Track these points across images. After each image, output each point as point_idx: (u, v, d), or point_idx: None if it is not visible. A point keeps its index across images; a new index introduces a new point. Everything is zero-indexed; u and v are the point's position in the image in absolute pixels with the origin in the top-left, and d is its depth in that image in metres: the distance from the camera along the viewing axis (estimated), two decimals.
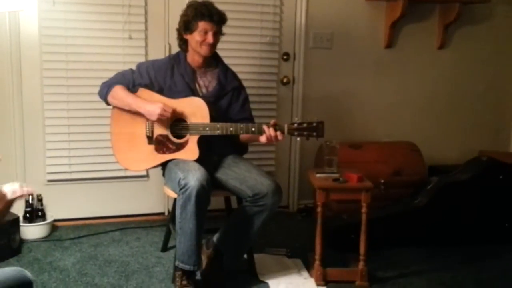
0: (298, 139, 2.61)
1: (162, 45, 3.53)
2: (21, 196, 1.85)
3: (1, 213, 1.84)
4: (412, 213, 3.28)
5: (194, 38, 2.68)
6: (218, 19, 2.68)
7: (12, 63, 3.29)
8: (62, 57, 3.36)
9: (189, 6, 2.72)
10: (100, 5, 3.37)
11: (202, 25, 2.65)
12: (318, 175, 2.82)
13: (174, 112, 2.63)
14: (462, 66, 4.18)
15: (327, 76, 3.91)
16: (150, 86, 2.74)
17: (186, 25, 2.70)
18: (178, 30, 2.77)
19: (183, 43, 2.78)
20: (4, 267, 1.81)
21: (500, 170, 3.35)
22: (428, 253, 3.20)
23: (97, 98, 2.80)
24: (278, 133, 2.54)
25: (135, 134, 2.74)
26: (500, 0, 4.13)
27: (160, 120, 2.63)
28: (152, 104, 2.63)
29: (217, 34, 2.71)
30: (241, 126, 2.59)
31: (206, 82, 2.80)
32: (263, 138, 2.56)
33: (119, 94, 2.71)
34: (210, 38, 2.66)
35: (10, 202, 1.82)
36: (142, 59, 3.35)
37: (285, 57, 3.81)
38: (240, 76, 2.95)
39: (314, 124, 2.55)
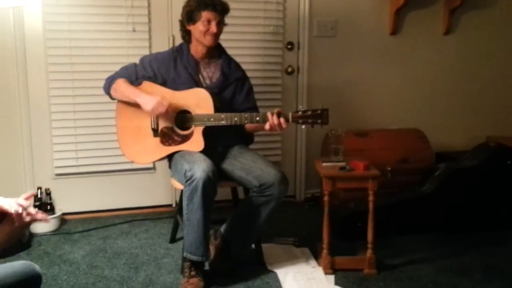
0: (303, 127, 2.60)
1: (166, 37, 3.52)
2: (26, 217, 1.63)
3: (12, 236, 1.59)
4: (419, 200, 3.27)
5: (198, 28, 2.68)
6: (221, 9, 2.68)
7: (17, 58, 3.30)
8: (66, 51, 3.37)
9: None
10: None
11: (205, 14, 2.65)
12: (324, 164, 2.82)
13: (171, 106, 2.61)
14: (468, 51, 4.15)
15: (332, 65, 3.89)
16: (153, 79, 2.74)
17: (189, 16, 2.69)
18: (181, 21, 2.77)
19: (186, 34, 2.78)
20: (14, 261, 1.83)
21: (508, 156, 3.32)
22: (435, 240, 3.20)
23: (102, 91, 2.81)
24: (282, 120, 2.53)
25: (140, 127, 2.75)
26: None
27: (156, 112, 2.61)
28: (149, 96, 2.62)
29: (220, 23, 2.71)
30: (246, 115, 2.59)
31: (210, 73, 2.80)
32: (266, 126, 2.56)
33: (120, 86, 2.72)
34: (213, 28, 2.66)
35: (20, 225, 1.59)
36: (146, 52, 3.35)
37: (289, 46, 3.79)
38: (244, 66, 2.95)
39: (319, 112, 2.54)
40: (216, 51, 2.82)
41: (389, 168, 3.54)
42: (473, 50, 4.16)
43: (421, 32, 4.02)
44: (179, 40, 3.29)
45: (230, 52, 2.90)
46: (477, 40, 4.14)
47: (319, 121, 2.54)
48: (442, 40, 4.08)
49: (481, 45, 4.16)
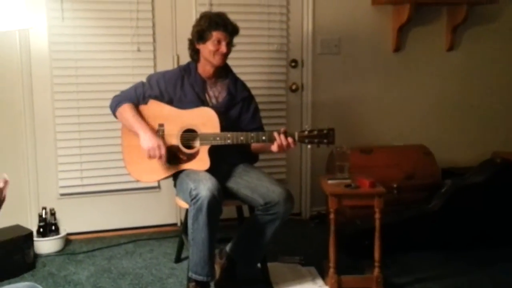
0: (309, 146, 2.59)
1: (170, 56, 3.55)
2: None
3: None
4: (426, 217, 3.24)
5: (207, 47, 2.69)
6: (231, 30, 2.70)
7: (23, 79, 3.33)
8: (72, 71, 3.39)
9: (202, 16, 2.74)
10: (108, 19, 3.40)
11: (216, 34, 2.66)
12: (330, 181, 2.81)
13: (167, 152, 2.61)
14: (472, 67, 4.15)
15: (336, 82, 3.90)
16: (160, 98, 2.75)
17: (199, 35, 2.70)
18: (191, 40, 2.78)
19: (195, 54, 2.79)
20: (18, 282, 1.82)
21: None
22: (443, 257, 3.16)
23: (107, 111, 2.82)
24: (290, 139, 2.53)
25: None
26: (508, 1, 4.10)
27: (149, 154, 2.60)
28: (150, 135, 2.61)
29: (230, 44, 2.72)
30: (252, 135, 2.58)
31: (216, 92, 2.81)
32: (274, 147, 2.55)
33: (125, 112, 2.71)
34: (223, 48, 2.68)
35: None
36: (151, 71, 3.37)
37: (293, 64, 3.80)
38: (249, 84, 2.96)
39: (325, 131, 2.53)
40: (223, 71, 2.82)
41: (395, 185, 3.53)
42: (477, 66, 4.16)
43: (424, 49, 4.03)
44: (183, 60, 3.32)
45: (234, 70, 2.91)
46: (480, 56, 4.15)
47: (325, 140, 2.54)
48: (445, 57, 4.09)
49: (484, 61, 4.16)
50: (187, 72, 2.79)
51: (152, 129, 2.67)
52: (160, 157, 2.59)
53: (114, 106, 2.76)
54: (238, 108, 2.81)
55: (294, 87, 3.82)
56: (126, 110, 2.72)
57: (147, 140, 2.60)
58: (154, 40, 3.52)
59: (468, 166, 3.90)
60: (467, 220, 3.25)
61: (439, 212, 3.23)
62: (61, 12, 3.31)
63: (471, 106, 4.19)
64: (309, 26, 3.77)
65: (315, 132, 2.54)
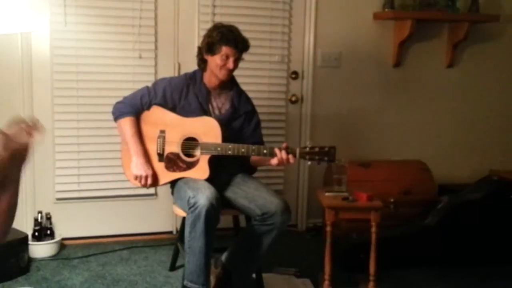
0: (309, 163, 2.58)
1: (171, 64, 3.56)
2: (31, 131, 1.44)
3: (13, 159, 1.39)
4: (422, 232, 3.25)
5: (215, 60, 2.68)
6: (241, 47, 2.68)
7: (24, 82, 3.33)
8: (72, 76, 3.40)
9: (215, 28, 2.71)
10: (110, 25, 3.41)
11: (225, 49, 2.65)
12: (327, 194, 2.81)
13: (147, 184, 2.71)
14: (471, 84, 4.17)
15: (336, 95, 3.91)
16: (163, 104, 2.75)
17: (209, 46, 2.69)
18: (200, 48, 2.78)
19: (202, 63, 2.78)
20: (13, 286, 1.81)
21: (511, 190, 3.31)
22: (438, 274, 3.16)
23: (107, 117, 2.83)
24: (290, 156, 2.54)
25: (145, 151, 2.75)
26: (509, 19, 4.13)
27: (135, 181, 2.73)
28: (142, 164, 2.69)
29: (238, 60, 2.71)
30: (253, 148, 2.59)
31: (220, 103, 2.81)
32: (274, 161, 2.56)
33: (126, 128, 2.73)
34: (230, 64, 2.67)
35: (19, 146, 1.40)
36: (152, 79, 3.37)
37: (293, 75, 3.82)
38: (249, 94, 2.95)
39: (326, 149, 2.54)
40: (228, 83, 2.81)
41: (391, 200, 3.53)
42: (476, 84, 4.18)
43: (425, 65, 4.05)
44: (184, 68, 3.33)
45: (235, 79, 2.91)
46: (480, 73, 4.17)
47: (325, 158, 2.54)
48: (445, 73, 4.11)
49: (484, 78, 4.19)
50: (192, 80, 2.79)
51: (145, 154, 2.72)
52: (145, 185, 2.71)
53: (117, 115, 2.76)
54: (240, 121, 2.81)
55: (294, 98, 3.83)
56: (126, 125, 2.72)
57: (138, 168, 2.69)
58: (156, 48, 3.53)
59: (465, 183, 3.91)
60: (462, 237, 3.25)
61: (435, 228, 3.23)
62: (64, 17, 3.32)
63: (469, 124, 4.21)
64: (311, 39, 3.79)
65: (317, 149, 2.55)
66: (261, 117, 2.98)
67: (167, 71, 3.48)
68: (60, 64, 3.37)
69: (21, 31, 3.06)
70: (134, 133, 2.72)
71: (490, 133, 4.26)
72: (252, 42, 2.95)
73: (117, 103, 2.79)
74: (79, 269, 3.10)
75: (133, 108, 2.74)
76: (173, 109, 2.75)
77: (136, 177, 2.69)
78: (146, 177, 2.68)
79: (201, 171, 2.64)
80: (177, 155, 2.70)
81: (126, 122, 2.73)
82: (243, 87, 2.94)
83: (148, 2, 3.45)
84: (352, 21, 3.87)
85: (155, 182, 2.73)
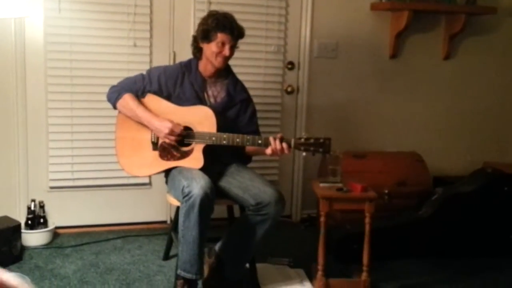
0: (304, 153, 2.57)
1: (166, 53, 3.53)
2: None
3: None
4: (416, 224, 3.26)
5: (211, 48, 2.67)
6: (237, 34, 2.67)
7: (17, 69, 3.30)
8: (66, 64, 3.37)
9: (210, 15, 2.70)
10: (105, 12, 3.37)
11: (221, 36, 2.63)
12: (321, 184, 2.81)
13: (181, 133, 2.63)
14: (467, 76, 4.17)
15: (332, 86, 3.90)
16: (158, 93, 2.73)
17: (204, 34, 2.67)
18: (195, 37, 2.76)
19: (198, 51, 2.76)
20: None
21: (505, 182, 3.32)
22: (432, 265, 3.17)
23: (101, 105, 2.81)
24: (285, 145, 2.52)
25: (140, 139, 2.73)
26: (506, 12, 4.13)
27: (164, 138, 2.64)
28: (162, 122, 2.63)
29: (233, 47, 2.70)
30: (248, 137, 2.57)
31: (215, 92, 2.79)
32: (268, 150, 2.54)
33: (128, 104, 2.70)
34: (226, 51, 2.65)
35: None
36: (146, 67, 3.35)
37: (289, 66, 3.80)
38: (245, 84, 2.94)
39: (321, 140, 2.52)
40: (224, 71, 2.80)
41: (386, 191, 3.53)
42: (473, 76, 4.18)
43: (421, 56, 4.04)
44: (179, 57, 3.31)
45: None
46: (476, 65, 4.17)
47: (320, 149, 2.53)
48: (441, 65, 4.11)
49: (480, 70, 4.19)
50: (187, 69, 2.77)
51: (157, 115, 2.67)
52: (180, 134, 2.62)
53: (115, 97, 2.73)
54: (236, 110, 2.79)
55: (289, 89, 3.82)
56: (128, 101, 2.70)
57: (163, 127, 2.61)
58: (151, 36, 3.50)
59: (460, 174, 3.92)
60: (456, 229, 3.26)
61: (429, 219, 3.24)
62: (58, 4, 3.28)
63: (464, 116, 4.21)
64: (307, 29, 3.77)
65: (312, 140, 2.53)
66: (257, 107, 2.97)
67: (162, 60, 3.46)
68: (54, 52, 3.34)
69: (14, 16, 3.03)
70: (138, 104, 2.70)
71: (485, 126, 4.26)
72: (248, 32, 2.96)
73: (110, 88, 2.77)
74: (72, 258, 3.10)
75: (128, 90, 2.73)
76: (168, 97, 2.73)
77: (169, 133, 2.60)
78: (171, 130, 2.60)
79: (196, 160, 2.62)
80: (171, 144, 2.68)
81: (127, 99, 2.70)
82: (239, 77, 2.92)
83: None
84: (349, 11, 3.85)
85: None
